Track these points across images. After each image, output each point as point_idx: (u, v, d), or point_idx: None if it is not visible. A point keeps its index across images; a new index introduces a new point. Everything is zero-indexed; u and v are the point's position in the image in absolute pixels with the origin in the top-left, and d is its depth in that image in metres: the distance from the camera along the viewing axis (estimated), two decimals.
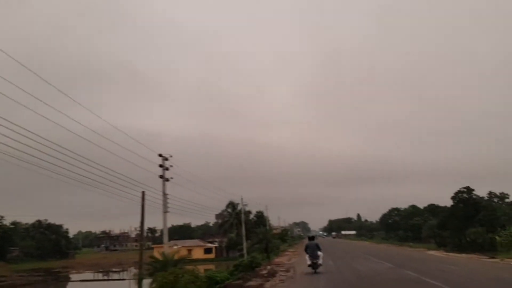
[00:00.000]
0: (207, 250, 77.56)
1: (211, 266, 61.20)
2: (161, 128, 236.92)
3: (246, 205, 68.90)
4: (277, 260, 37.15)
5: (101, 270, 74.26)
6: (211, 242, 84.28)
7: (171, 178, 24.07)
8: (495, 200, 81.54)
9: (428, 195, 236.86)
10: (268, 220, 77.52)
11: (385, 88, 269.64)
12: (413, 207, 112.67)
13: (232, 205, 71.20)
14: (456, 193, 63.55)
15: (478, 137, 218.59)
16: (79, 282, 56.05)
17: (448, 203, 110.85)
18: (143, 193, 22.42)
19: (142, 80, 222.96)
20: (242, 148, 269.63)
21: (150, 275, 20.48)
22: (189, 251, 78.94)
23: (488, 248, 54.83)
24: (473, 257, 36.92)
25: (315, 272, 22.57)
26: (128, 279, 49.34)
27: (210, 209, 56.27)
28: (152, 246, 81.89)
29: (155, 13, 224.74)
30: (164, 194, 23.69)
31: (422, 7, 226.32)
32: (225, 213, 74.93)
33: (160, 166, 23.47)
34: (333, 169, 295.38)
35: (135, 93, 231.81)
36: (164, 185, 23.71)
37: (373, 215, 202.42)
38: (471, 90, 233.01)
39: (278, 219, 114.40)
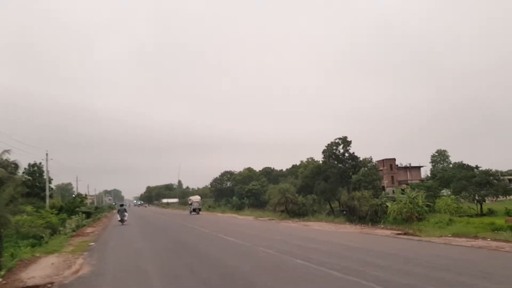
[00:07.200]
0: None
1: None
2: None
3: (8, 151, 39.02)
4: None
5: None
6: None
7: None
8: None
9: (262, 162, 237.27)
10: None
11: (217, 60, 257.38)
12: (249, 170, 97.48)
13: None
14: (329, 146, 47.20)
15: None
16: None
17: (284, 167, 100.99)
18: None
19: None
20: (57, 107, 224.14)
21: None
22: None
23: (372, 218, 40.84)
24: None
25: (122, 224, 33.16)
26: None
27: None
28: None
29: None
30: None
31: None
32: None
33: None
34: (159, 136, 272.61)
35: None
36: None
37: (198, 183, 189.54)
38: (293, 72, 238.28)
39: (76, 180, 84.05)
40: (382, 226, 26.54)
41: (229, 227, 26.99)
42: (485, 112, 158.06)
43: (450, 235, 17.47)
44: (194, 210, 55.89)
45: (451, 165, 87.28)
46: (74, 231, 25.88)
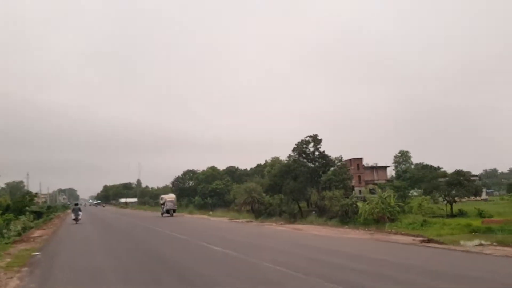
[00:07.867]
0: None
1: None
2: None
3: None
4: None
5: None
6: None
7: None
8: None
9: (225, 161, 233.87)
10: None
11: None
12: (213, 169, 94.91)
13: None
14: (299, 144, 45.83)
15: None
16: None
17: (248, 167, 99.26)
18: None
19: None
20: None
21: None
22: None
23: (342, 219, 39.70)
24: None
25: (77, 223, 34.81)
26: None
27: None
28: None
29: None
30: None
31: None
32: None
33: None
34: (112, 135, 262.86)
35: None
36: None
37: (158, 182, 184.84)
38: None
39: (27, 178, 78.26)
40: (393, 230, 24.99)
41: (209, 232, 23.48)
42: (442, 116, 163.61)
43: (495, 244, 15.16)
44: (167, 211, 46.73)
45: (413, 166, 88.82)
46: (19, 234, 22.41)
